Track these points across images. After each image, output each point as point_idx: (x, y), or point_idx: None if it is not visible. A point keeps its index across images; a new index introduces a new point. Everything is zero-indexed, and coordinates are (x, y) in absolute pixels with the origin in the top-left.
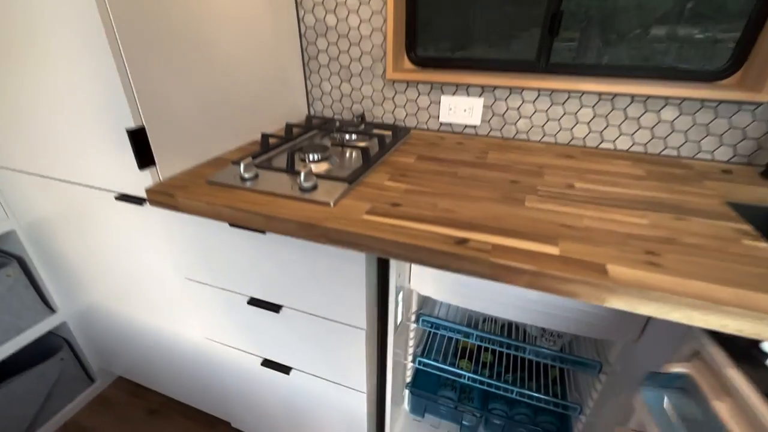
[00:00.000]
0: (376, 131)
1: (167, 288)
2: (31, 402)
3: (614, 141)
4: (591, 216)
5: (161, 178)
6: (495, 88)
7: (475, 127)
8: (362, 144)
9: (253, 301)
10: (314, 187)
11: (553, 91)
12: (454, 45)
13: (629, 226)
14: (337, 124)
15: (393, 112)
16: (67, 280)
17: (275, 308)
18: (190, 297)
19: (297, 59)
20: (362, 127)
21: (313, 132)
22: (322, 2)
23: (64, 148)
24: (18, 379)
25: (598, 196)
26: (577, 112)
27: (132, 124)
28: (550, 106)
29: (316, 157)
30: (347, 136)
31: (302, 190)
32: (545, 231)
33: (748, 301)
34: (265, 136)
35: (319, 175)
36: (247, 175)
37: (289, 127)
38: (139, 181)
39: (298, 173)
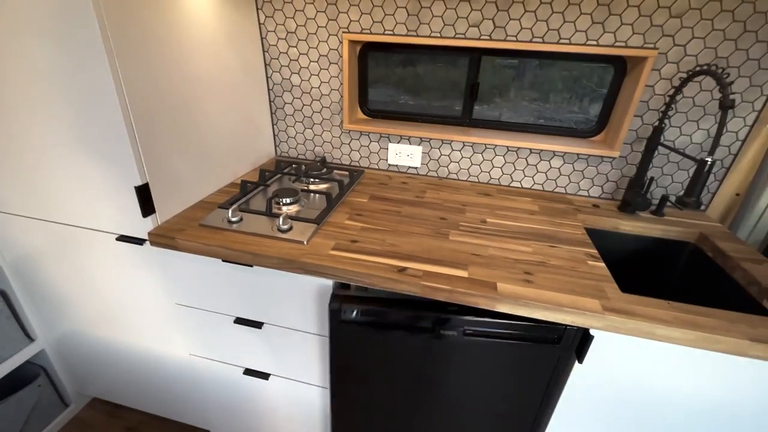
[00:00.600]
0: (336, 173)
1: (156, 312)
2: (10, 429)
3: (520, 181)
4: (494, 246)
5: (159, 222)
6: (430, 139)
7: (416, 168)
8: (325, 187)
9: (239, 320)
10: (290, 228)
11: (474, 143)
12: (398, 100)
13: (518, 253)
14: (303, 167)
15: (349, 155)
16: (48, 309)
17: (258, 325)
18: (179, 319)
19: (266, 109)
20: (324, 170)
21: (281, 175)
22: (288, 65)
23: (68, 197)
24: None
25: (502, 229)
26: (493, 159)
27: (139, 182)
28: (473, 154)
29: (288, 200)
30: (312, 180)
31: (280, 231)
32: (460, 259)
33: (580, 304)
34: (244, 182)
35: (292, 217)
36: (234, 219)
37: (262, 172)
38: (139, 224)
39: (277, 216)
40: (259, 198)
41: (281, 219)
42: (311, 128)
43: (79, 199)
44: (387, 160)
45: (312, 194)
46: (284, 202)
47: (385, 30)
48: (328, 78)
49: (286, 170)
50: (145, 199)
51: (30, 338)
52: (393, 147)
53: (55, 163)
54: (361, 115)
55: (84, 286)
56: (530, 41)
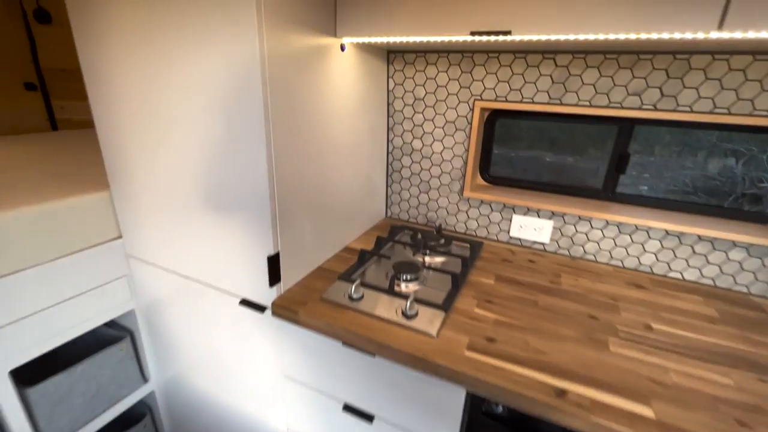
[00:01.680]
0: (454, 244)
1: (262, 379)
2: None
3: (681, 272)
4: (675, 370)
5: (282, 291)
6: (564, 214)
7: (543, 244)
8: (443, 260)
9: (348, 408)
10: (416, 314)
11: (620, 223)
12: (525, 167)
13: (715, 386)
14: (419, 236)
15: (465, 223)
16: (162, 354)
17: (369, 418)
18: (284, 392)
19: (382, 171)
20: (442, 241)
21: (395, 244)
22: (411, 130)
23: (202, 256)
24: None
25: (678, 342)
26: (645, 242)
27: (272, 251)
28: (618, 234)
29: (409, 277)
30: (429, 252)
31: (406, 316)
32: (636, 386)
33: None
34: (362, 252)
35: (417, 300)
36: (355, 296)
37: (378, 239)
38: (263, 291)
39: (398, 296)
40: (375, 268)
41: (408, 303)
42: (427, 193)
43: (212, 259)
44: (509, 232)
45: (432, 270)
46: (405, 278)
47: (522, 98)
48: (452, 144)
49: (399, 238)
50: (273, 268)
51: (145, 379)
52: (517, 219)
53: (197, 224)
54: (481, 182)
55: (198, 339)
56: (710, 112)
